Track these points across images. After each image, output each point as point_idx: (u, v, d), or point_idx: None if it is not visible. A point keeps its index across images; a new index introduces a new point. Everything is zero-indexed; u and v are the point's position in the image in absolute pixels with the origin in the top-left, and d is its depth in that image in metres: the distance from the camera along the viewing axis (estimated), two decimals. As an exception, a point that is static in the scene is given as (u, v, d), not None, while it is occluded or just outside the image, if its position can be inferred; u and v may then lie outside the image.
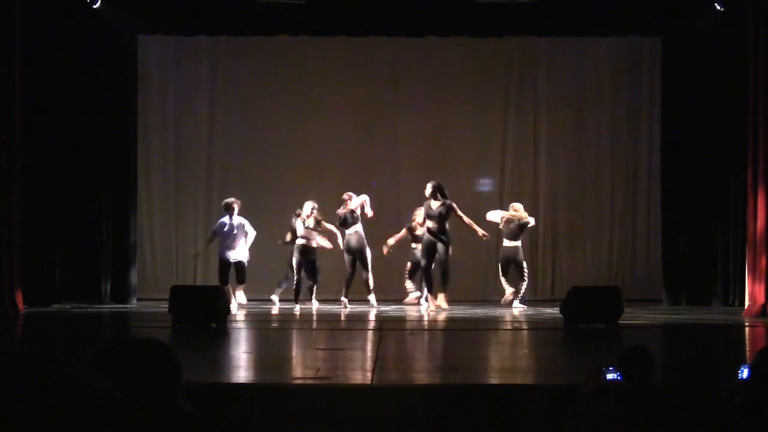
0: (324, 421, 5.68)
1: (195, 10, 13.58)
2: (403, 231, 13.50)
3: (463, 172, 14.91)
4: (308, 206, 12.94)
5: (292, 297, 12.94)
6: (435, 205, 12.62)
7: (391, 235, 13.52)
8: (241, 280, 13.14)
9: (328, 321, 11.85)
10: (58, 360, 4.01)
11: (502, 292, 13.26)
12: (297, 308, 12.73)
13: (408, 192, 14.44)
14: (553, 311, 11.77)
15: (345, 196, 13.05)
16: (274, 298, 13.57)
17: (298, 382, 6.54)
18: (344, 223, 13.02)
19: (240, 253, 13.07)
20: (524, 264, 13.21)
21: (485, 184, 14.78)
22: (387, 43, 14.58)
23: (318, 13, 13.53)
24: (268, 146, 14.98)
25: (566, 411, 4.34)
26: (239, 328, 10.77)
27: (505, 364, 8.00)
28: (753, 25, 12.25)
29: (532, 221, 13.34)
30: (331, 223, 13.11)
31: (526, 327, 11.17)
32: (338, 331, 10.75)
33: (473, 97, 15.04)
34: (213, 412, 4.97)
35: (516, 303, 13.06)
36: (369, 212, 13.00)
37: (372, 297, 13.06)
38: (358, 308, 12.94)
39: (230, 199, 13.15)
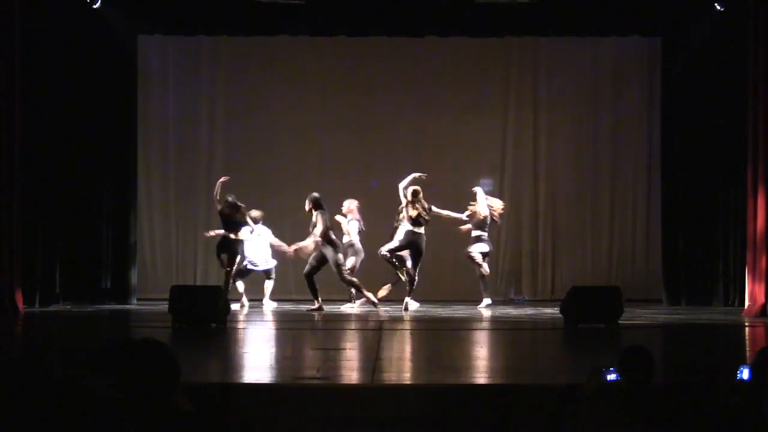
0: (324, 421, 5.68)
1: (195, 10, 13.58)
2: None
3: (463, 172, 14.90)
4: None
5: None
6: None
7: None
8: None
9: (328, 321, 11.84)
10: (56, 360, 4.00)
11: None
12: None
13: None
14: (553, 311, 11.77)
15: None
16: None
17: (298, 382, 6.53)
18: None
19: None
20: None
21: (485, 184, 14.76)
22: (387, 43, 14.57)
23: (318, 13, 13.53)
24: (268, 146, 14.98)
25: (566, 411, 4.34)
26: (239, 328, 10.76)
27: (505, 364, 8.00)
28: (753, 25, 12.24)
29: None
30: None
31: (526, 327, 11.17)
32: (338, 331, 10.74)
33: (473, 97, 15.04)
34: (213, 412, 4.97)
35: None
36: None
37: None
38: (360, 309, 12.94)
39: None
